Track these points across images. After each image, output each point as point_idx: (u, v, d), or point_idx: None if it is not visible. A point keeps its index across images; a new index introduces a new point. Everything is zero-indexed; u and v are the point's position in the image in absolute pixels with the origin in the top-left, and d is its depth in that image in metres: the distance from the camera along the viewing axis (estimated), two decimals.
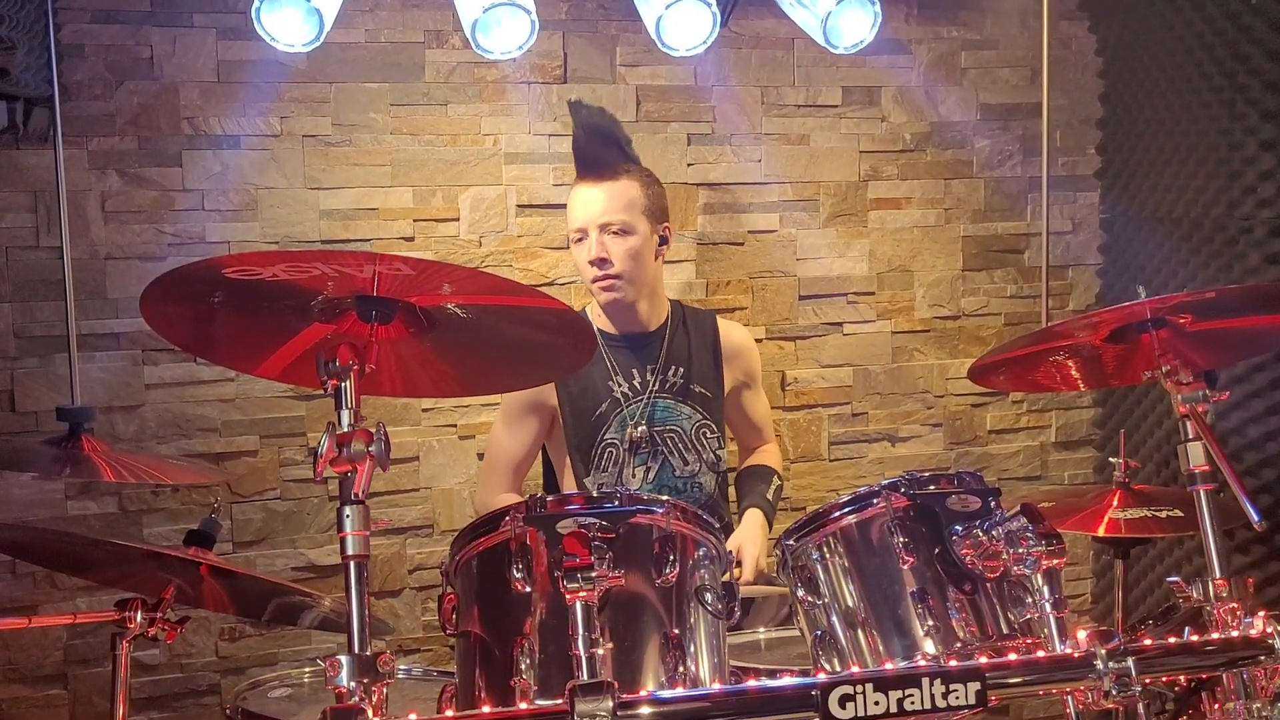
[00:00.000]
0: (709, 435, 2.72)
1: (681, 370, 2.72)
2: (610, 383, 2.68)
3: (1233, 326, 1.94)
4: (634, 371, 2.70)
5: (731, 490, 2.87)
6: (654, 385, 2.70)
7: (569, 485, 2.74)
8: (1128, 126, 3.37)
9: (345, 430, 1.55)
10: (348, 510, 1.53)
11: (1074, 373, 2.12)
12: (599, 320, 2.72)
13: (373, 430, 1.54)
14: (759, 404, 2.90)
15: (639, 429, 2.66)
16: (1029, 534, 1.65)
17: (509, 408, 2.75)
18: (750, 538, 2.62)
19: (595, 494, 1.79)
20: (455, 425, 3.14)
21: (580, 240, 2.65)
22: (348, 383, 1.58)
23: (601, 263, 2.62)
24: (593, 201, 2.63)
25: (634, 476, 2.67)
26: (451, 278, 1.64)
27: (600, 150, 2.74)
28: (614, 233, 2.61)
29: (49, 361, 2.86)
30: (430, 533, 3.13)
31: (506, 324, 1.73)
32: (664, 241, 2.70)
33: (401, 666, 2.44)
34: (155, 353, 2.91)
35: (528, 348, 1.80)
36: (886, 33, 3.16)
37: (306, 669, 2.35)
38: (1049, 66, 3.36)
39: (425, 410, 3.11)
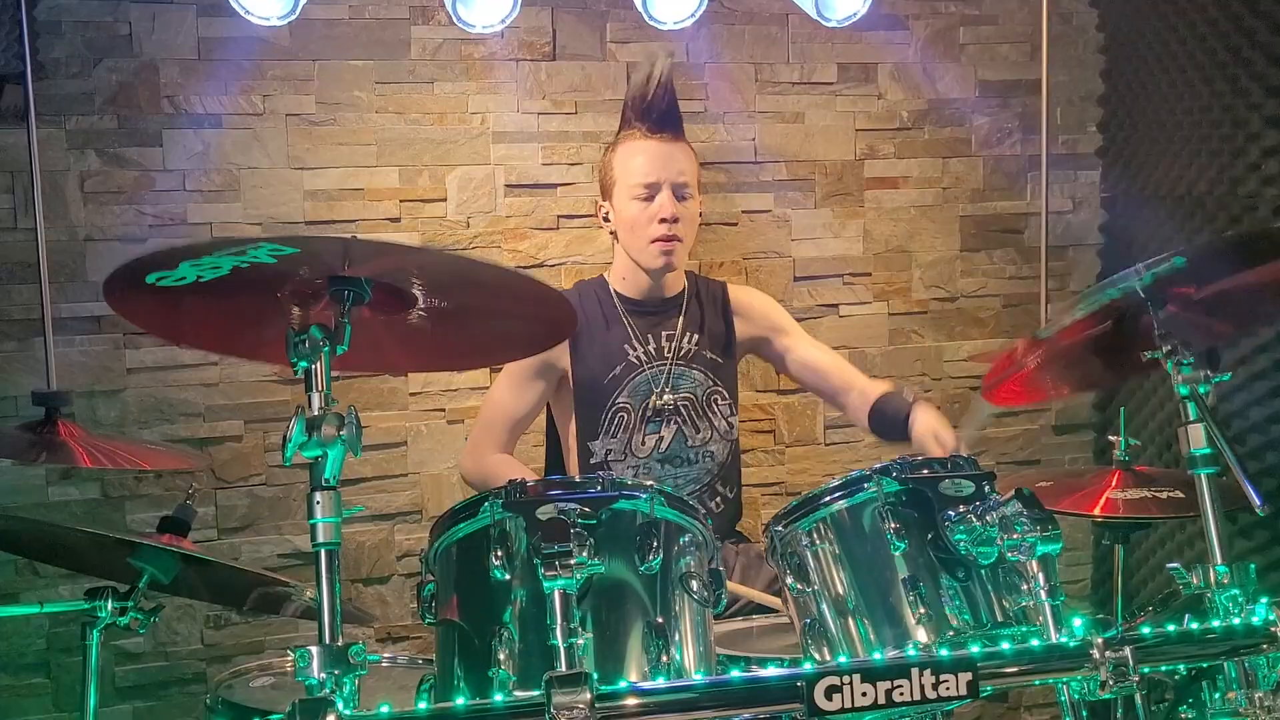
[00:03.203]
0: (720, 402, 2.66)
1: (696, 337, 2.67)
2: (626, 346, 2.63)
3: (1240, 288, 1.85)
4: (650, 337, 2.64)
5: (744, 459, 2.82)
6: (670, 352, 2.64)
7: (574, 456, 2.67)
8: (1129, 103, 3.31)
9: (315, 414, 1.50)
10: (318, 496, 1.48)
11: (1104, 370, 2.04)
12: (620, 285, 2.67)
13: (343, 414, 1.49)
14: (809, 347, 2.76)
15: (664, 397, 2.61)
16: (1024, 519, 1.61)
17: (516, 368, 2.65)
18: (937, 419, 2.45)
19: (578, 479, 1.73)
20: (443, 410, 3.08)
21: (646, 197, 2.56)
22: (318, 364, 1.53)
23: (674, 220, 2.55)
24: (668, 158, 2.57)
25: (643, 444, 2.61)
26: (423, 263, 1.59)
27: (673, 108, 2.65)
28: (682, 195, 2.57)
29: (28, 345, 2.81)
30: (419, 519, 3.09)
31: (482, 303, 1.68)
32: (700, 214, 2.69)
33: (388, 654, 2.40)
34: (137, 336, 2.86)
35: (506, 322, 1.75)
36: (883, 8, 3.10)
37: (288, 657, 2.30)
38: (1049, 42, 3.29)
39: (413, 395, 3.06)
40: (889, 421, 2.58)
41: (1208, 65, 2.99)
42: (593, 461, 2.61)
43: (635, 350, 2.63)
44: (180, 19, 2.85)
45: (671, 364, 2.64)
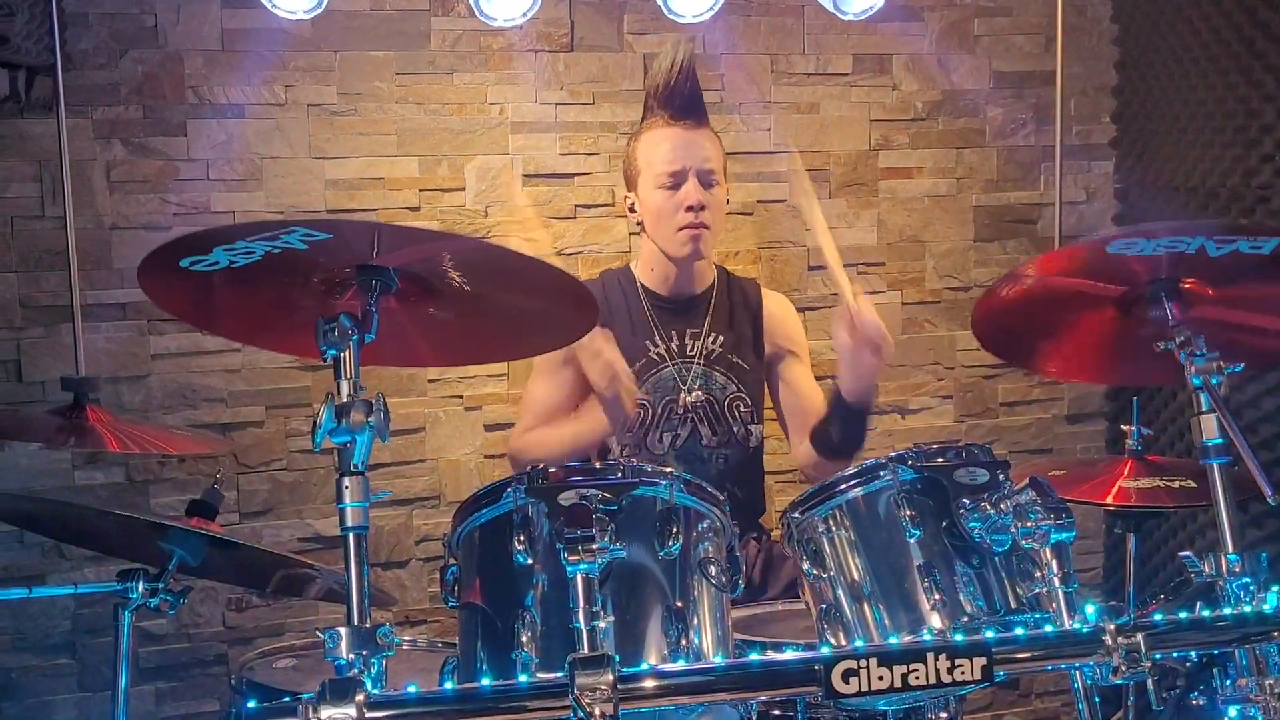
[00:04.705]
0: (742, 409, 2.65)
1: (722, 339, 2.65)
2: (648, 342, 2.62)
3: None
4: (674, 334, 2.64)
5: (767, 462, 2.79)
6: (693, 351, 2.63)
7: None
8: (1143, 94, 3.32)
9: (344, 400, 1.53)
10: (346, 481, 1.52)
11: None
12: (647, 278, 2.66)
13: (372, 400, 1.53)
14: (810, 379, 2.75)
15: (681, 396, 2.60)
16: (1038, 507, 1.63)
17: (544, 360, 2.67)
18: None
19: (599, 465, 1.76)
20: (461, 396, 3.12)
21: (672, 185, 2.54)
22: (347, 352, 1.56)
23: (701, 208, 2.53)
24: (692, 144, 2.55)
25: (660, 441, 2.61)
26: (452, 249, 1.62)
27: (695, 94, 2.62)
28: (708, 182, 2.55)
29: (55, 331, 2.86)
30: (437, 504, 3.12)
31: (508, 292, 1.71)
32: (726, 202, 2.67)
33: (407, 638, 2.43)
34: (161, 323, 2.90)
35: (529, 316, 1.78)
36: None
37: (312, 639, 2.34)
38: (1063, 33, 3.31)
39: (431, 381, 3.09)
40: (830, 408, 2.50)
41: (1222, 56, 3.00)
42: (609, 458, 2.59)
43: (656, 347, 2.62)
44: (205, 11, 2.88)
45: (694, 363, 2.63)
